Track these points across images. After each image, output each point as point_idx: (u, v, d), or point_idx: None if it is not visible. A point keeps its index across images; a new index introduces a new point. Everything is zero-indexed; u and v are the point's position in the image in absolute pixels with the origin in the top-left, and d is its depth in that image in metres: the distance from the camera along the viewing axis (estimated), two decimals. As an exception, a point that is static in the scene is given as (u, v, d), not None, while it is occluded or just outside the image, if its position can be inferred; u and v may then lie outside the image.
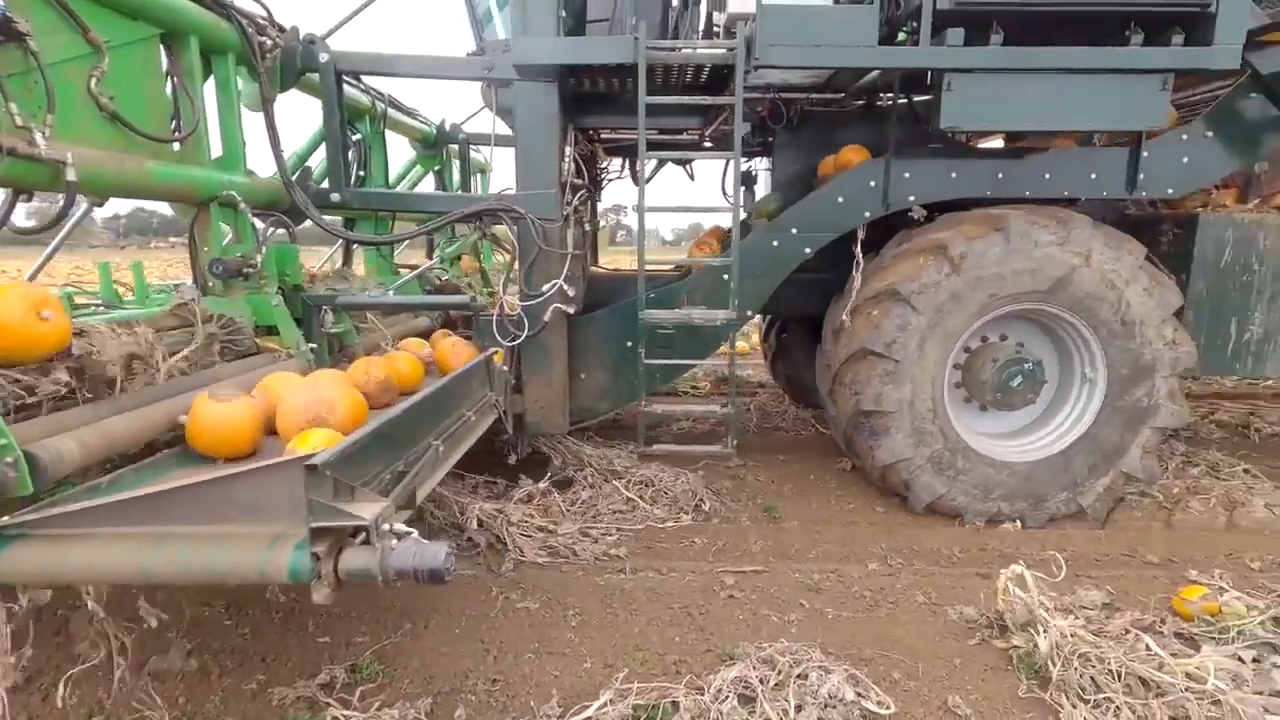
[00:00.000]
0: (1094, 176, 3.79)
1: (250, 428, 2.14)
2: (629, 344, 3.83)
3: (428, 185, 5.47)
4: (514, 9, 3.39)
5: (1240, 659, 2.45)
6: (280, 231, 3.26)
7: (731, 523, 3.86)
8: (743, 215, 5.13)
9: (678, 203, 4.09)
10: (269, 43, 3.24)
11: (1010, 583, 2.77)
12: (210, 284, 2.86)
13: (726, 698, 2.32)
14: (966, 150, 4.11)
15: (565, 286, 3.57)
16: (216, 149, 3.09)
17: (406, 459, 1.98)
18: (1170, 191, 3.82)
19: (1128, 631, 2.61)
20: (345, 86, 3.80)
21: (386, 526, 1.49)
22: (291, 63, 3.34)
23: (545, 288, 3.56)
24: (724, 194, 5.09)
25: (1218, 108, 3.81)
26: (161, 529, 1.57)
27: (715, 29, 3.83)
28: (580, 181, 3.92)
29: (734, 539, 3.63)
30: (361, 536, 1.49)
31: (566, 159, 3.74)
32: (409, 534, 1.49)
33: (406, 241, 4.53)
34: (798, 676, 2.40)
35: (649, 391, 4.04)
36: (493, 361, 3.27)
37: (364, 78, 4.03)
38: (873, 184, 3.82)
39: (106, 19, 2.45)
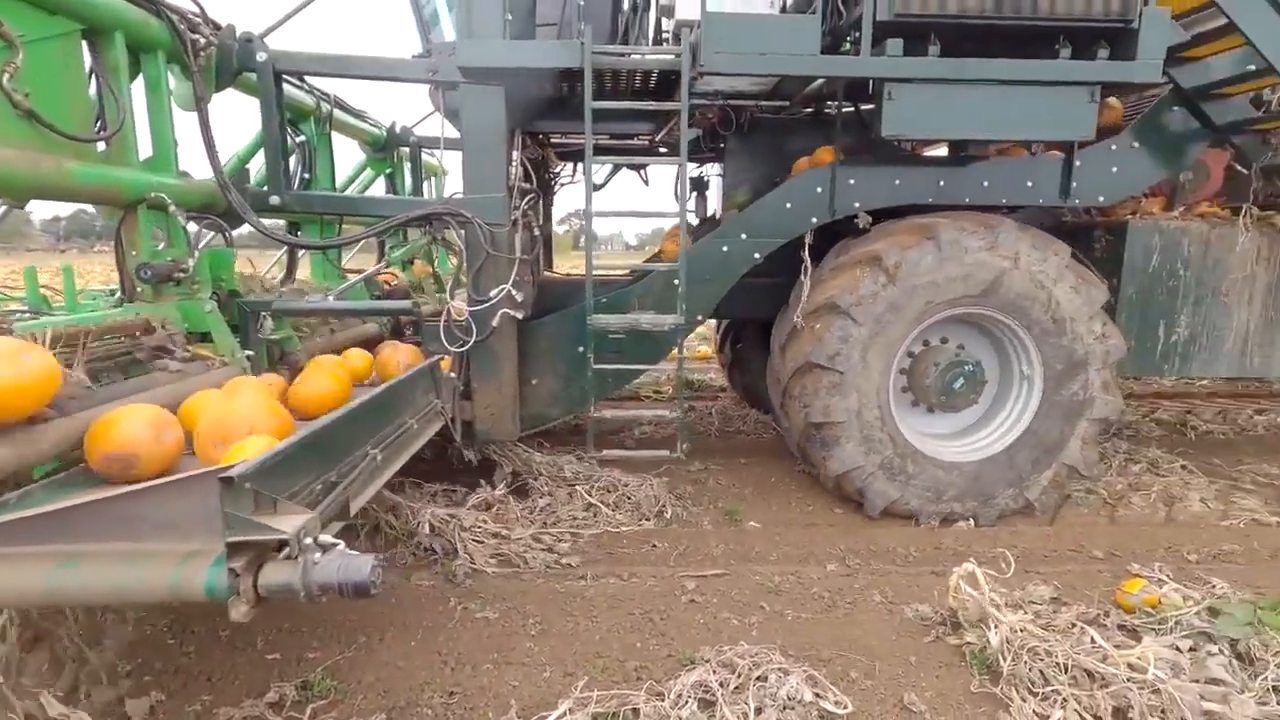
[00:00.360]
0: (1030, 185, 3.92)
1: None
2: (580, 349, 3.80)
3: (379, 189, 5.36)
4: (460, 12, 3.35)
5: (1178, 648, 2.54)
6: (216, 235, 3.15)
7: (693, 526, 3.86)
8: (694, 220, 5.17)
9: (634, 208, 4.11)
10: (202, 40, 3.12)
11: (962, 581, 2.82)
12: (139, 289, 2.73)
13: (686, 703, 2.31)
14: (910, 158, 4.22)
15: (514, 292, 3.53)
16: (148, 150, 2.96)
17: (340, 469, 1.92)
18: (1101, 199, 3.98)
19: (1074, 625, 2.68)
20: (288, 87, 3.70)
21: (310, 539, 1.43)
22: (227, 62, 3.23)
23: (493, 293, 3.51)
24: (676, 198, 5.13)
25: (1143, 120, 3.98)
26: (70, 547, 1.48)
27: (665, 35, 3.85)
28: (529, 186, 3.89)
29: (695, 543, 3.63)
30: (286, 551, 1.43)
31: (514, 163, 3.71)
32: (335, 546, 1.44)
33: (359, 245, 4.44)
34: (757, 679, 2.40)
35: (601, 397, 4.02)
36: (439, 368, 3.20)
37: (308, 78, 3.92)
38: (819, 190, 3.88)
39: (21, 13, 2.33)
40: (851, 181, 3.86)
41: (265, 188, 3.54)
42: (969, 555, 3.27)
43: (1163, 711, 2.26)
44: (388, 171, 5.33)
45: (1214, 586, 3.02)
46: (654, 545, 3.58)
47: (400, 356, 3.25)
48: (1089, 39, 3.38)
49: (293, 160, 4.01)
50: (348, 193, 4.98)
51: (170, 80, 3.05)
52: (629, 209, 4.15)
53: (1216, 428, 5.82)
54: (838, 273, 3.79)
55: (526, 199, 3.78)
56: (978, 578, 2.81)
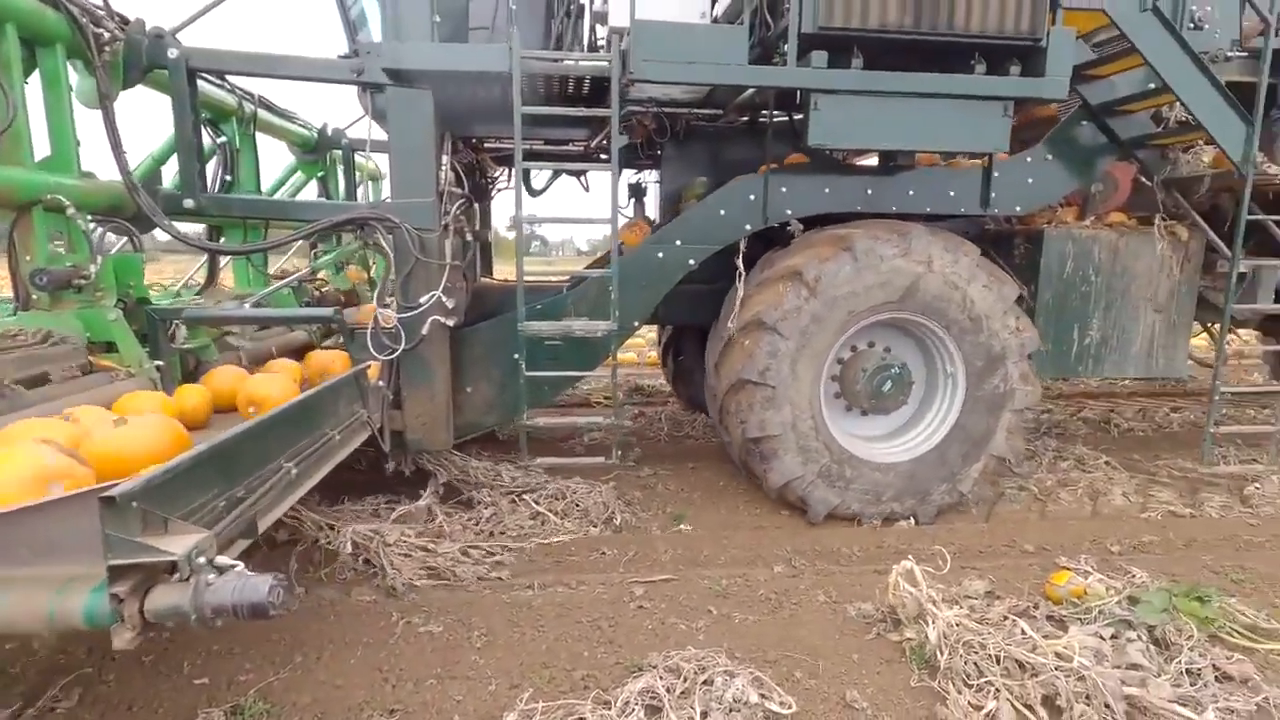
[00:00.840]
0: (953, 194, 4.08)
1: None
2: (515, 356, 3.76)
3: (311, 193, 5.20)
4: (385, 13, 3.29)
5: (1101, 636, 2.66)
6: (123, 240, 3.00)
7: (642, 532, 3.85)
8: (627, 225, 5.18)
9: (577, 213, 4.10)
10: (107, 35, 2.95)
11: (901, 578, 2.90)
12: (34, 297, 2.55)
13: (633, 710, 2.29)
14: (839, 167, 4.32)
15: (444, 298, 3.46)
16: (46, 149, 2.78)
17: (248, 484, 1.82)
18: (1018, 209, 4.17)
19: (1006, 618, 2.77)
20: (209, 87, 3.56)
21: (203, 560, 1.35)
22: (135, 58, 3.06)
23: (423, 299, 3.43)
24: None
25: (1055, 134, 4.20)
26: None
27: (600, 43, 3.87)
28: (460, 191, 3.83)
29: (644, 549, 3.62)
30: (182, 573, 1.34)
31: (445, 167, 3.64)
32: (234, 566, 1.37)
33: (292, 251, 4.29)
34: (703, 683, 2.40)
35: (538, 404, 3.96)
36: (364, 376, 3.09)
37: (230, 77, 3.77)
38: (752, 198, 3.94)
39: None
40: (784, 190, 3.94)
41: (179, 190, 3.37)
42: (909, 553, 3.34)
43: (1087, 697, 2.36)
44: (320, 175, 5.17)
45: (1134, 576, 3.18)
46: (603, 552, 3.57)
47: (332, 364, 3.16)
48: (1002, 56, 3.54)
49: (213, 162, 3.85)
50: (277, 196, 4.81)
51: (73, 76, 2.87)
52: (572, 215, 4.14)
53: (1137, 425, 6.15)
54: (762, 288, 3.87)
55: (458, 204, 3.72)
56: (916, 575, 2.89)
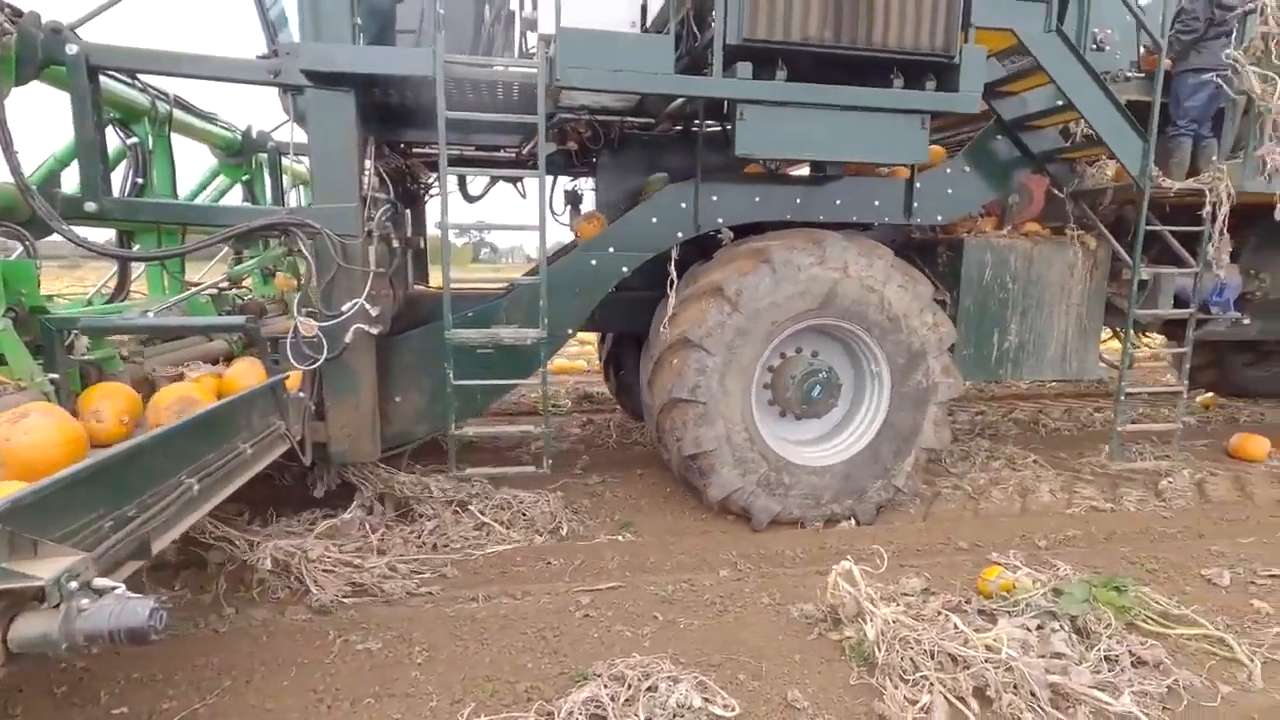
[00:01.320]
0: (878, 204, 4.22)
1: None
2: (446, 365, 3.67)
3: (236, 197, 5.00)
4: (304, 13, 3.19)
5: (1028, 628, 2.77)
6: (15, 245, 2.82)
7: (589, 540, 3.83)
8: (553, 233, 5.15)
9: (519, 220, 4.05)
10: None
11: (840, 578, 2.97)
12: None
13: (577, 720, 2.29)
14: (769, 176, 4.41)
15: (368, 306, 3.36)
16: None
17: (143, 503, 1.72)
18: (939, 218, 4.34)
19: (940, 613, 2.86)
20: (119, 85, 3.37)
21: (75, 584, 1.26)
22: (29, 53, 2.87)
23: (345, 307, 3.32)
24: (552, 212, 5.10)
25: (972, 147, 4.40)
26: None
27: (531, 50, 3.86)
28: (384, 196, 3.74)
29: (591, 557, 3.60)
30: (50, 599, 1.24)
31: (368, 172, 3.55)
32: (113, 589, 1.30)
33: (218, 258, 4.10)
34: (647, 689, 2.39)
35: (470, 413, 3.90)
36: (282, 387, 2.97)
37: (142, 76, 3.58)
38: (683, 206, 3.99)
39: None
40: (714, 198, 3.99)
41: (81, 193, 3.17)
42: (849, 554, 3.42)
43: (1015, 686, 2.45)
44: (245, 178, 4.98)
45: (1059, 569, 3.32)
46: (549, 562, 3.53)
47: (249, 375, 3.03)
48: (918, 71, 3.69)
49: (124, 164, 3.67)
50: (198, 201, 4.61)
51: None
52: (503, 222, 4.10)
53: (1063, 425, 6.47)
54: (686, 305, 3.91)
55: (383, 210, 3.62)
56: (854, 575, 2.96)
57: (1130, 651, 2.68)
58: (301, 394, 3.23)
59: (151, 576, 3.09)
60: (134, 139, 3.69)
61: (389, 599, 3.11)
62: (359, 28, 3.29)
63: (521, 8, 3.94)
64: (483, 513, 3.82)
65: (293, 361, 3.20)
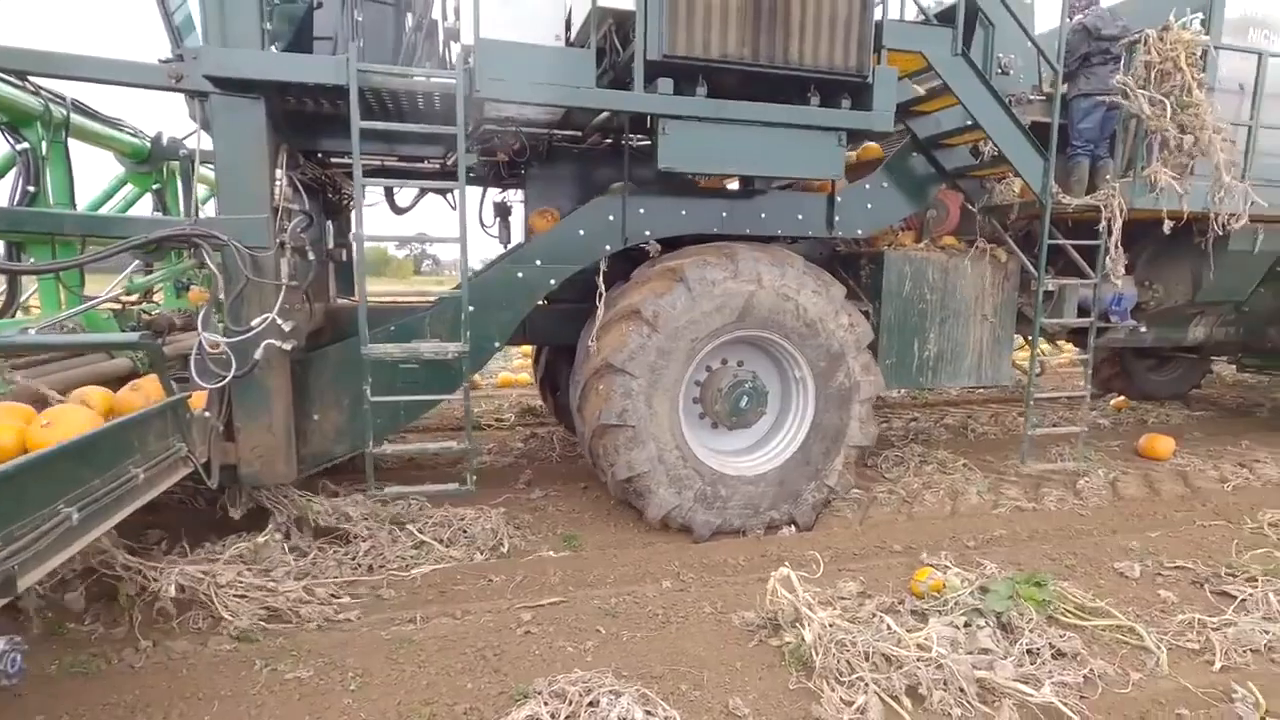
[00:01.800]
0: (800, 218, 4.35)
1: None
2: (364, 381, 3.55)
3: (146, 206, 4.76)
4: (208, 17, 3.08)
5: (956, 626, 2.89)
6: None
7: (531, 556, 3.79)
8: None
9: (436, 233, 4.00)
10: None
11: (779, 585, 3.03)
12: None
13: (516, 739, 2.26)
14: (695, 190, 4.50)
15: (280, 321, 3.25)
16: None
17: (9, 535, 1.61)
18: (860, 232, 4.52)
19: (875, 615, 2.95)
20: (7, 88, 3.19)
21: None
22: None
23: (255, 322, 3.20)
24: (481, 224, 5.05)
25: (889, 163, 4.61)
26: None
27: (454, 61, 3.84)
28: (298, 206, 3.62)
29: (533, 572, 3.55)
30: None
31: (280, 182, 3.45)
32: None
33: (128, 270, 3.84)
34: (589, 705, 2.37)
35: (391, 430, 3.82)
36: (184, 407, 2.83)
37: (34, 78, 3.38)
38: (611, 219, 4.02)
39: None
40: (641, 211, 4.04)
41: None
42: (789, 560, 3.50)
43: (944, 683, 2.54)
44: (155, 187, 4.74)
45: (985, 568, 3.47)
46: (490, 579, 3.47)
47: (147, 394, 2.86)
48: (835, 90, 3.85)
49: (13, 171, 3.47)
50: (103, 210, 4.36)
51: None
52: (423, 234, 4.04)
53: (990, 430, 6.77)
54: (607, 330, 3.93)
55: (297, 221, 3.51)
56: (792, 581, 3.02)
57: (1050, 644, 2.82)
58: (207, 413, 3.08)
59: (60, 613, 2.89)
60: (24, 145, 3.47)
61: (326, 623, 2.99)
62: (269, 33, 3.19)
63: (444, 18, 3.90)
64: (421, 531, 3.73)
65: (197, 379, 3.06)
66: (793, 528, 4.18)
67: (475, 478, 3.92)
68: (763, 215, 4.24)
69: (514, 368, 10.21)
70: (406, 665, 2.74)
